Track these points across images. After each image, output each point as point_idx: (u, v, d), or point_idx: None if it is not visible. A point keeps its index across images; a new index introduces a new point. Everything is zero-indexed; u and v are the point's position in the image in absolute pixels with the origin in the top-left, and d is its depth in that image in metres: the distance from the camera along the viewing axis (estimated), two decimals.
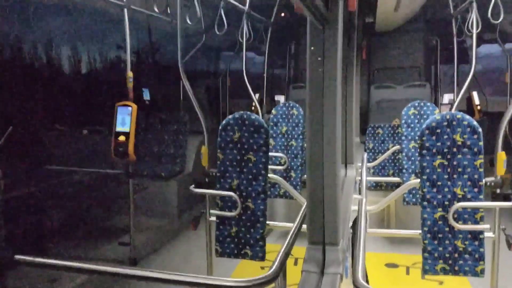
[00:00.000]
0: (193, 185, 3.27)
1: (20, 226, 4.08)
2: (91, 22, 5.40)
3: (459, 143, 2.61)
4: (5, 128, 3.16)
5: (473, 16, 4.91)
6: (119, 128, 4.27)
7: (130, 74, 4.48)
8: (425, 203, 2.66)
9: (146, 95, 6.95)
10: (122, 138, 4.25)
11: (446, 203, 2.63)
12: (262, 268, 3.55)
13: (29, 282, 3.75)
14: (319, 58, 1.73)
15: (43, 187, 4.77)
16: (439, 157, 2.63)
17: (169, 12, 5.06)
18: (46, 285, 3.79)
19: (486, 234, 2.67)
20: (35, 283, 3.78)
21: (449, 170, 2.63)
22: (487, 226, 2.63)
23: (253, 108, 6.45)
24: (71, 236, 4.89)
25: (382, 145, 5.30)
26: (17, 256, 1.76)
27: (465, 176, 2.62)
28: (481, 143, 2.60)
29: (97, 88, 6.05)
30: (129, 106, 4.30)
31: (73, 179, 5.16)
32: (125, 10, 4.49)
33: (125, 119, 4.26)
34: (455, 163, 2.62)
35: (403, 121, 4.45)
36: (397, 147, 4.95)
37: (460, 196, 2.62)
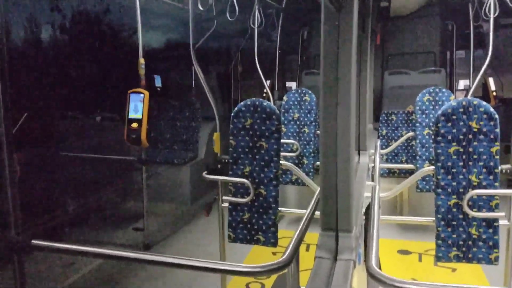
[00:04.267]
0: (205, 172, 3.28)
1: (36, 211, 4.15)
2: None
3: (475, 129, 2.57)
4: (19, 115, 3.20)
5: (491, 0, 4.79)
6: (132, 115, 4.29)
7: (142, 60, 4.48)
8: (439, 190, 2.63)
9: (158, 82, 6.97)
10: (135, 124, 4.27)
11: (461, 190, 2.60)
12: (274, 254, 3.58)
13: (46, 267, 3.84)
14: (333, 43, 1.71)
15: (57, 173, 4.83)
16: (454, 144, 2.60)
17: None
18: (63, 269, 3.87)
19: (501, 222, 2.64)
20: (52, 267, 3.86)
21: (464, 157, 2.59)
22: (502, 213, 2.60)
23: (264, 94, 6.43)
24: (86, 222, 4.97)
25: (395, 131, 5.25)
26: (34, 241, 1.78)
27: (481, 163, 2.58)
28: (498, 130, 2.56)
29: (110, 75, 6.07)
30: (141, 93, 4.31)
31: (87, 165, 5.22)
32: None
33: (137, 106, 4.28)
34: (470, 150, 2.58)
35: (417, 108, 4.39)
36: (411, 133, 4.90)
37: (475, 184, 2.59)
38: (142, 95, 4.30)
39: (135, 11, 4.48)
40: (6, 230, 1.88)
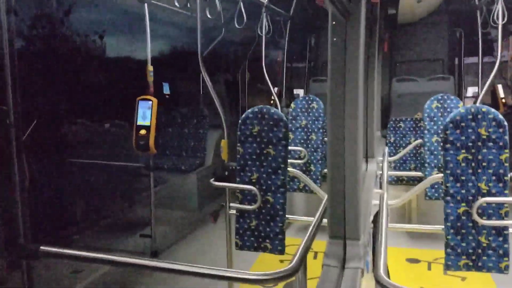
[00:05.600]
0: (213, 179, 3.28)
1: (45, 218, 4.18)
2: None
3: (484, 137, 2.55)
4: (29, 122, 3.23)
5: (499, 6, 4.78)
6: (140, 122, 4.32)
7: (150, 68, 4.51)
8: (448, 198, 2.61)
9: (166, 90, 7.02)
10: (143, 131, 4.30)
11: (470, 198, 2.58)
12: (281, 261, 3.56)
13: (54, 273, 3.85)
14: (341, 51, 1.71)
15: (66, 179, 4.87)
16: (463, 151, 2.58)
17: (189, 6, 5.07)
18: (70, 275, 3.88)
19: (511, 230, 2.61)
20: (59, 273, 3.87)
21: (473, 164, 2.57)
22: None
23: (272, 101, 6.44)
24: (95, 228, 4.99)
25: (403, 139, 5.23)
26: (43, 247, 1.79)
27: (490, 171, 2.56)
28: (507, 137, 2.54)
29: (119, 83, 6.12)
30: (150, 100, 4.34)
31: (95, 172, 5.25)
32: (146, 5, 4.52)
33: (145, 113, 4.30)
34: (479, 157, 2.56)
35: (425, 115, 4.37)
36: (419, 141, 4.87)
37: (484, 191, 2.56)
38: (150, 102, 4.33)
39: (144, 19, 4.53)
40: (15, 237, 1.89)
